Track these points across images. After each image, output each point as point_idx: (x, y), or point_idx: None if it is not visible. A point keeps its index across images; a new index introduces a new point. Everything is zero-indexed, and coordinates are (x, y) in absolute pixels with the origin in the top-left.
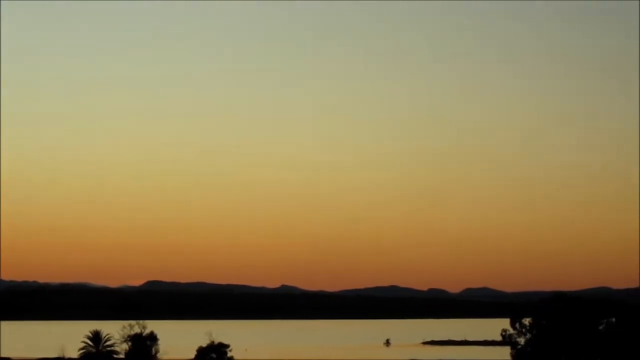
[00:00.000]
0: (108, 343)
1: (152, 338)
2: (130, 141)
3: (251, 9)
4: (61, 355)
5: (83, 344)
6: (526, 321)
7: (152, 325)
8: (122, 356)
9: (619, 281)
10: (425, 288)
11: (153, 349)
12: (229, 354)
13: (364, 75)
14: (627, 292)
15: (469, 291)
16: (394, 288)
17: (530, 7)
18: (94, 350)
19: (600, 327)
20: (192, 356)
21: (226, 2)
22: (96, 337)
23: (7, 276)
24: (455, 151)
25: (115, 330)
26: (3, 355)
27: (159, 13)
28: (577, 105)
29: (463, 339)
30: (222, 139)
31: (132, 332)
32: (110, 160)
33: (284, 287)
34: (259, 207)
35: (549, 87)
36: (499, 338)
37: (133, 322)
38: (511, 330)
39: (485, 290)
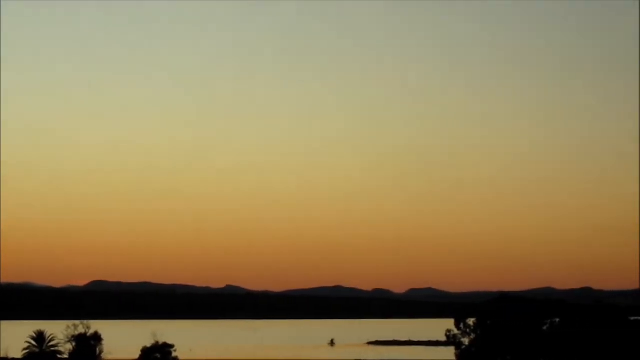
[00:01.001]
0: (52, 343)
1: (97, 338)
2: (74, 143)
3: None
4: (4, 356)
5: (26, 344)
6: (470, 321)
7: (96, 325)
8: (66, 356)
9: (563, 282)
10: (369, 288)
11: (97, 349)
12: (174, 354)
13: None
14: (571, 292)
15: (413, 291)
16: (338, 288)
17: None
18: (37, 350)
19: (544, 327)
20: (137, 356)
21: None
22: (40, 337)
23: None
24: (401, 152)
25: (59, 331)
26: None
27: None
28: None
29: (408, 339)
30: (168, 139)
31: (76, 332)
32: (52, 161)
33: (228, 287)
34: (203, 207)
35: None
36: (444, 338)
37: (77, 322)
38: (455, 331)
39: (429, 291)
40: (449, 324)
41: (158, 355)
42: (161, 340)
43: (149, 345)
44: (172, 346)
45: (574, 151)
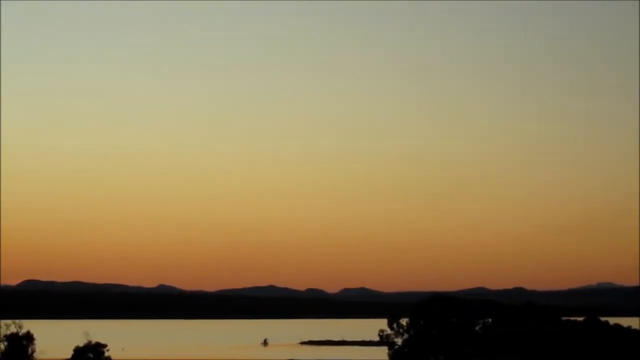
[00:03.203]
0: None
1: (29, 338)
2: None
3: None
4: None
5: None
6: (403, 322)
7: (29, 325)
8: None
9: (495, 282)
10: (303, 288)
11: (29, 349)
12: (106, 354)
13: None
14: (503, 293)
15: (347, 291)
16: (272, 288)
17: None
18: None
19: (477, 328)
20: (69, 356)
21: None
22: None
23: None
24: (340, 150)
25: None
26: None
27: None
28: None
29: (341, 339)
30: (97, 143)
31: (8, 332)
32: None
33: (161, 286)
34: (135, 205)
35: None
36: (377, 338)
37: (9, 321)
38: (389, 331)
39: (363, 291)
40: (382, 324)
41: (90, 355)
42: (94, 340)
43: (81, 345)
44: (104, 346)
45: (510, 153)
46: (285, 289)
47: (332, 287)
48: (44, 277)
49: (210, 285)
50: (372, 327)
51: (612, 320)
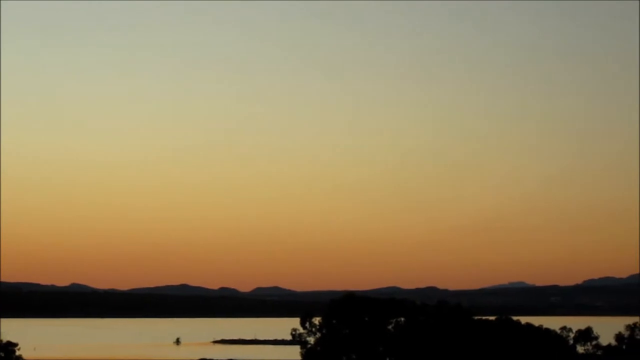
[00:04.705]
0: None
1: None
2: None
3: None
4: None
5: None
6: (316, 321)
7: None
8: None
9: (408, 281)
10: (215, 287)
11: None
12: (17, 353)
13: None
14: (416, 292)
15: (259, 290)
16: (184, 287)
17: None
18: None
19: (390, 327)
20: None
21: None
22: None
23: None
24: (254, 149)
25: None
26: None
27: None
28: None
29: (253, 337)
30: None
31: None
32: None
33: (74, 285)
34: (47, 205)
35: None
36: (290, 337)
37: None
38: (301, 330)
39: (275, 290)
40: (294, 322)
41: (1, 354)
42: (4, 339)
43: None
44: (15, 345)
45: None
46: (198, 288)
47: (245, 286)
48: None
49: (123, 284)
50: (285, 326)
51: (524, 319)
